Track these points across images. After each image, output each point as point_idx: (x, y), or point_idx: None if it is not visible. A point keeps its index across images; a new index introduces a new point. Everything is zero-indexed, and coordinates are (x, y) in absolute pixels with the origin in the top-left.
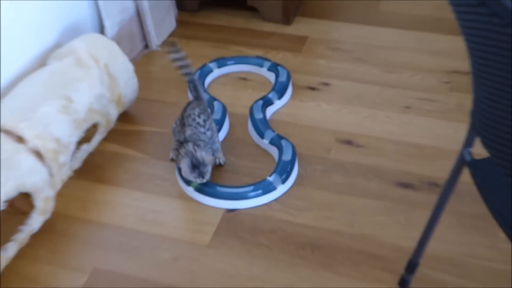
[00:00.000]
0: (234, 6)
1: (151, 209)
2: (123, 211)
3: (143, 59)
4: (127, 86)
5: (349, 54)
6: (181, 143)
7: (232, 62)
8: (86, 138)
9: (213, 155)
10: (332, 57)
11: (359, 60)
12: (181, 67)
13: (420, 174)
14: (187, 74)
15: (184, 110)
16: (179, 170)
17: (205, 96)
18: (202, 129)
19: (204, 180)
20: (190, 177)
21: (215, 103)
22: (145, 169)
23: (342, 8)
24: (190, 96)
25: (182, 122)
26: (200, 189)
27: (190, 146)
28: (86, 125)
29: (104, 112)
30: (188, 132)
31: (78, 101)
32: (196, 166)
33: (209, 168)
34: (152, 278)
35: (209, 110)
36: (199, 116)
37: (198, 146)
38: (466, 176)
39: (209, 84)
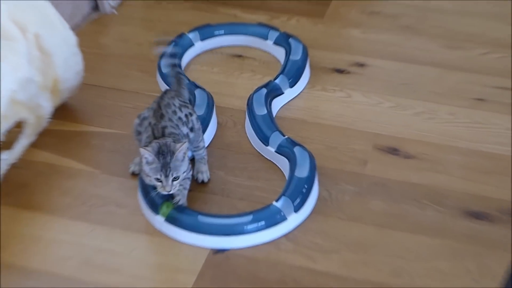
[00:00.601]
0: None
1: (102, 248)
2: (60, 251)
3: (91, 26)
4: (67, 66)
5: (394, 21)
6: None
7: (222, 31)
8: (6, 143)
9: (193, 168)
10: (369, 25)
11: (409, 30)
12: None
13: (498, 199)
14: (173, 65)
15: (162, 97)
16: (143, 188)
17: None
18: (184, 128)
19: (170, 191)
20: (152, 178)
21: (197, 92)
22: (93, 189)
23: None
24: (163, 88)
25: (159, 113)
26: (175, 218)
27: (168, 139)
28: (7, 124)
29: (32, 104)
30: (167, 123)
31: None
32: (164, 157)
33: (180, 172)
34: None
35: (190, 104)
36: (180, 110)
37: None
38: None
39: (188, 64)
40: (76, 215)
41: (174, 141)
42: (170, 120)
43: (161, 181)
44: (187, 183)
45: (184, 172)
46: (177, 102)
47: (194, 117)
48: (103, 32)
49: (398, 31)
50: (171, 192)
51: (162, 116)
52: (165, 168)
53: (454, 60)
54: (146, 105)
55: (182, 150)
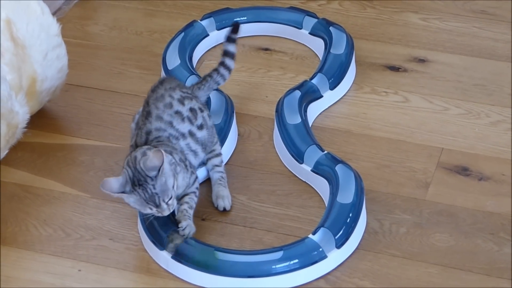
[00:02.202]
0: None
1: None
2: None
3: (77, 11)
4: (47, 61)
5: (465, 4)
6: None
7: (244, 18)
8: None
9: (211, 192)
10: (432, 9)
11: (484, 16)
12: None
13: None
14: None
15: (153, 90)
16: (144, 218)
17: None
18: (182, 126)
19: (170, 211)
20: (142, 208)
21: (213, 96)
22: (80, 217)
23: None
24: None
25: (145, 111)
26: (185, 254)
27: (137, 152)
28: None
29: (3, 110)
30: (152, 124)
31: None
32: (139, 181)
33: (170, 189)
34: None
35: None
36: (181, 102)
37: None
38: None
39: (201, 59)
40: (60, 251)
41: (149, 149)
42: (159, 118)
43: (154, 210)
44: (193, 200)
45: (173, 187)
46: (177, 93)
47: (205, 114)
48: (92, 18)
49: (470, 18)
50: (171, 212)
51: (148, 115)
52: (152, 199)
53: None
54: None
55: (160, 162)
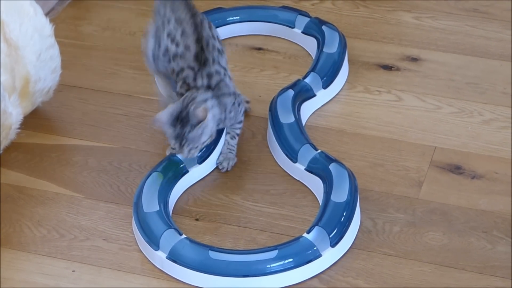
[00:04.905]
0: None
1: None
2: None
3: (70, 11)
4: (40, 62)
5: (458, 2)
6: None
7: (237, 17)
8: None
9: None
10: (425, 8)
11: (477, 14)
12: None
13: None
14: None
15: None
16: (140, 216)
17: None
18: (223, 59)
19: (183, 155)
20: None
21: None
22: (74, 218)
23: None
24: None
25: (198, 33)
26: (180, 254)
27: (198, 97)
28: None
29: None
30: (212, 67)
31: None
32: (182, 118)
33: (200, 142)
34: None
35: None
36: (213, 37)
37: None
38: None
39: None
40: (54, 252)
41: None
42: (214, 61)
43: (177, 149)
44: (233, 142)
45: (204, 142)
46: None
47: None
48: (85, 19)
49: (463, 16)
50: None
51: (206, 61)
52: (179, 139)
53: None
54: (140, 111)
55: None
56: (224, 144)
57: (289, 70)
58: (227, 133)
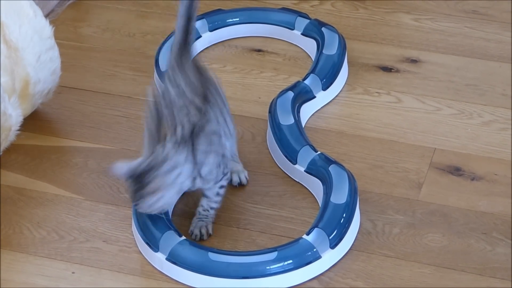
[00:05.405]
0: None
1: None
2: None
3: (70, 13)
4: (40, 64)
5: (457, 4)
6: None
7: (236, 19)
8: None
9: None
10: (424, 10)
11: (476, 16)
12: None
13: None
14: None
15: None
16: (140, 218)
17: None
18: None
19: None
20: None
21: None
22: (74, 220)
23: None
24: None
25: (203, 89)
26: (179, 256)
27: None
28: None
29: None
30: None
31: None
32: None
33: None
34: None
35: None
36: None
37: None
38: None
39: None
40: (53, 253)
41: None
42: (215, 105)
43: None
44: (206, 213)
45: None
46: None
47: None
48: (85, 20)
49: (462, 18)
50: None
51: (205, 98)
52: (135, 195)
53: None
54: (140, 113)
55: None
56: (196, 213)
57: (288, 72)
58: (203, 197)
